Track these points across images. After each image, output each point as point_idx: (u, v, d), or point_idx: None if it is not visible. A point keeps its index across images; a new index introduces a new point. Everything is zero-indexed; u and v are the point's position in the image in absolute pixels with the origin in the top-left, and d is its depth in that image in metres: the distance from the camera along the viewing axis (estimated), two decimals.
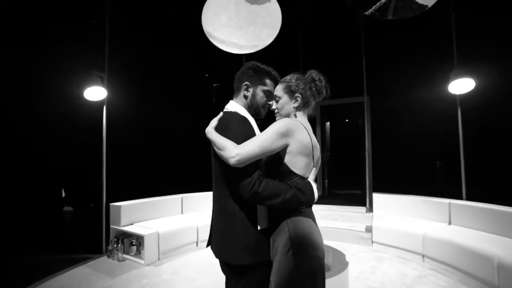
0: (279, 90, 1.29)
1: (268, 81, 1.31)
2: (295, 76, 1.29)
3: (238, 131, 1.14)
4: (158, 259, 3.33)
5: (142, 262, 3.19)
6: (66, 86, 3.51)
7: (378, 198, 4.24)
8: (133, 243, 3.39)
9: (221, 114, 1.27)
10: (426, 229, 3.22)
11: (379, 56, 4.79)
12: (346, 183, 6.25)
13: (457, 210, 3.35)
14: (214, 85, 6.16)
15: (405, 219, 3.71)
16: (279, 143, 1.11)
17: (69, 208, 6.71)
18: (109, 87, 3.67)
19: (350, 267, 3.02)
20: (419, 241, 3.19)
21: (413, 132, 4.62)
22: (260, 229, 1.14)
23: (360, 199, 5.47)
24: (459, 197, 3.56)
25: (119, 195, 3.76)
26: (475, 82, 3.24)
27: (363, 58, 4.65)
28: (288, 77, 1.30)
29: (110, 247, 3.41)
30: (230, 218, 1.15)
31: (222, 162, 1.13)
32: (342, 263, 2.35)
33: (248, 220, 1.13)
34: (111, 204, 3.61)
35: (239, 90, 1.31)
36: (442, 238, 2.98)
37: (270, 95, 1.31)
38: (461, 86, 3.33)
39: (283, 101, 1.27)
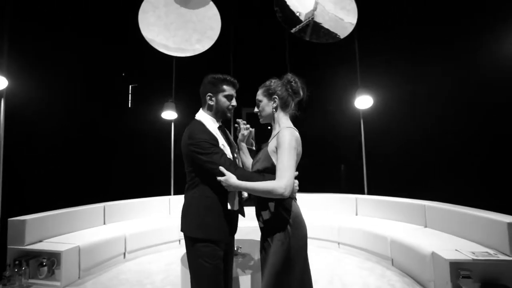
0: (259, 95, 1.45)
1: (226, 87, 1.51)
2: (273, 80, 1.47)
3: (201, 138, 1.39)
4: (79, 277, 2.89)
5: (58, 284, 2.72)
6: None
7: (299, 197, 4.78)
8: (43, 263, 2.83)
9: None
10: (339, 221, 3.84)
11: (302, 69, 5.46)
12: None
13: (362, 203, 4.12)
14: (131, 85, 5.74)
15: (321, 214, 4.31)
16: (297, 155, 1.34)
17: None
18: (10, 75, 3.00)
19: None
20: (335, 231, 3.77)
21: (325, 139, 5.40)
22: (219, 213, 1.41)
23: None
24: (362, 192, 4.38)
25: (22, 207, 3.08)
26: (373, 99, 4.10)
27: (288, 70, 5.21)
28: (267, 82, 1.48)
29: (7, 273, 2.75)
30: (188, 203, 1.48)
31: (199, 168, 1.40)
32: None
33: (202, 205, 1.41)
34: (9, 219, 2.92)
35: (205, 102, 1.54)
36: (352, 226, 3.62)
37: (231, 98, 1.53)
38: (363, 102, 4.16)
39: (263, 104, 1.45)
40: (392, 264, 3.09)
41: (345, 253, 3.57)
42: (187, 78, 5.47)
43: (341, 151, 5.16)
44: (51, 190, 3.61)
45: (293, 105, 1.47)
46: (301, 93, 1.46)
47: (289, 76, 1.44)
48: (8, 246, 2.88)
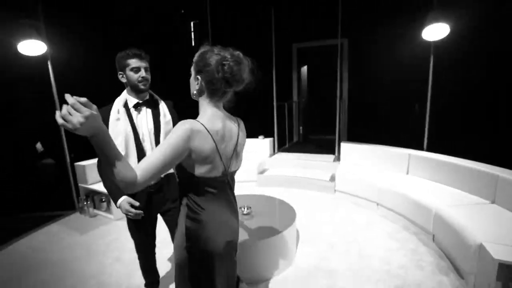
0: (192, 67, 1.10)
1: (129, 61, 1.50)
2: (205, 49, 1.04)
3: None
4: None
5: (112, 217, 3.36)
6: None
7: (346, 147, 4.31)
8: (102, 199, 3.50)
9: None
10: (382, 179, 3.37)
11: None
12: (322, 129, 6.28)
13: (416, 161, 3.45)
14: (193, 22, 5.56)
15: (366, 168, 3.84)
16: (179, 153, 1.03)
17: (50, 161, 6.74)
18: (49, 39, 3.26)
19: (309, 216, 3.24)
20: (375, 190, 3.36)
21: (389, 79, 4.43)
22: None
23: (332, 147, 5.58)
24: (420, 147, 3.63)
25: (85, 152, 3.72)
26: (450, 28, 2.96)
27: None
28: (199, 50, 1.07)
29: (81, 204, 3.53)
30: None
31: None
32: (290, 218, 2.48)
33: None
34: (75, 163, 3.60)
35: (122, 81, 1.57)
36: (394, 188, 3.13)
37: (137, 70, 1.51)
38: (436, 31, 3.06)
39: (191, 80, 1.11)
40: (433, 240, 2.63)
41: (381, 217, 3.21)
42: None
43: (402, 95, 4.19)
44: None
45: (227, 95, 1.08)
46: (239, 84, 1.05)
47: (228, 54, 1.01)
48: (79, 184, 3.62)
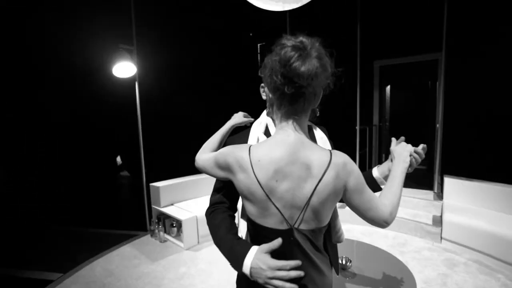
0: None
1: None
2: (276, 47, 0.77)
3: None
4: (198, 242, 3.25)
5: (182, 245, 3.14)
6: (94, 62, 3.32)
7: (451, 183, 3.46)
8: (173, 224, 3.35)
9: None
10: None
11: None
12: None
13: None
14: (260, 44, 5.51)
15: (488, 214, 2.95)
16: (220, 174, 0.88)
17: (126, 173, 7.22)
18: (138, 62, 3.38)
19: (412, 272, 2.52)
20: (510, 246, 2.48)
21: (502, 103, 3.51)
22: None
23: (425, 180, 4.67)
24: None
25: (158, 173, 3.70)
26: None
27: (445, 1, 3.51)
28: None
29: (152, 227, 3.43)
30: None
31: None
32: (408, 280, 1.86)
33: None
34: (150, 184, 3.57)
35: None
36: None
37: None
38: None
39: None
40: None
41: None
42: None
43: None
44: (180, 160, 4.16)
45: (292, 108, 0.78)
46: (303, 79, 0.72)
47: (287, 41, 0.75)
48: (152, 206, 3.56)
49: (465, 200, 3.31)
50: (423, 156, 0.98)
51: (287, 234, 0.78)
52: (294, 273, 0.74)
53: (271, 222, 0.78)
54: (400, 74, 5.30)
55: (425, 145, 0.99)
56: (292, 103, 0.76)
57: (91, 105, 3.54)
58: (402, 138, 1.04)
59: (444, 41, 3.63)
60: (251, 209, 0.80)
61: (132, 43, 3.35)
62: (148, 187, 3.60)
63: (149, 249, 3.13)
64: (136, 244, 3.27)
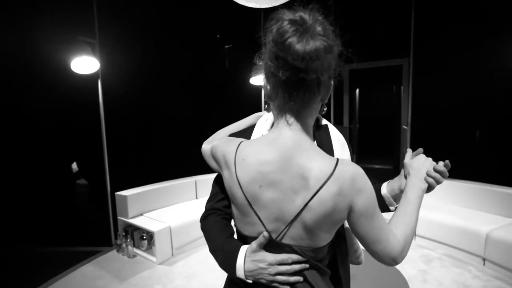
0: None
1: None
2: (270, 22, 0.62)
3: None
4: (172, 255, 2.98)
5: (154, 260, 2.85)
6: (51, 56, 2.89)
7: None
8: (143, 237, 3.03)
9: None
10: (489, 226, 2.65)
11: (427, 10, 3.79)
12: (377, 158, 5.63)
13: None
14: (226, 46, 5.36)
15: (456, 210, 3.13)
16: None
17: (83, 181, 6.54)
18: (102, 57, 3.03)
19: (394, 270, 2.56)
20: (481, 240, 2.64)
21: (465, 104, 3.80)
22: None
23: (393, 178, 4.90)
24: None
25: (125, 180, 3.34)
26: None
27: (412, 10, 3.71)
28: None
29: (118, 241, 3.08)
30: None
31: None
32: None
33: None
34: (116, 193, 3.20)
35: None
36: (508, 239, 2.42)
37: None
38: None
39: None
40: None
41: (491, 277, 2.47)
42: None
43: (497, 124, 3.51)
44: (150, 164, 3.82)
45: (281, 93, 0.62)
46: (297, 61, 0.55)
47: (276, 21, 0.59)
48: (118, 217, 3.19)
49: (434, 197, 3.49)
50: (447, 175, 0.76)
51: (271, 248, 0.65)
52: (298, 266, 0.64)
53: (251, 230, 0.66)
54: (368, 78, 5.53)
55: (447, 161, 0.78)
56: (289, 92, 0.60)
57: (41, 104, 3.08)
58: (420, 150, 0.84)
59: (411, 47, 3.82)
60: (234, 212, 0.71)
61: (94, 36, 2.99)
62: (113, 196, 3.23)
63: (116, 267, 2.78)
64: (100, 261, 2.90)
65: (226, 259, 0.70)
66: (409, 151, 0.85)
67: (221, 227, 0.78)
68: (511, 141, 3.18)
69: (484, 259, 2.65)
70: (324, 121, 0.87)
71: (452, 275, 2.53)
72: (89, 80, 3.02)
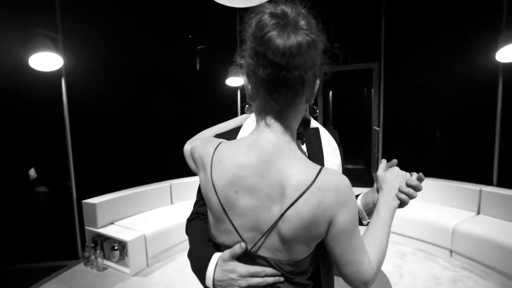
0: None
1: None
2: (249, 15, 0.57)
3: None
4: (147, 265, 2.81)
5: (128, 271, 2.66)
6: (6, 52, 2.60)
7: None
8: (115, 247, 2.82)
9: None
10: (455, 220, 2.84)
11: (397, 14, 4.01)
12: (349, 158, 5.83)
13: (488, 198, 2.96)
14: (199, 47, 5.24)
15: (426, 207, 3.32)
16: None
17: (43, 189, 5.98)
18: (66, 53, 2.79)
19: None
20: (448, 234, 2.81)
21: (440, 107, 4.04)
22: None
23: (363, 178, 5.10)
24: (489, 183, 3.16)
25: (93, 186, 3.09)
26: None
27: (382, 16, 3.90)
28: None
29: (86, 253, 2.83)
30: None
31: None
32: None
33: None
34: (83, 201, 2.95)
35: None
36: (476, 232, 2.60)
37: None
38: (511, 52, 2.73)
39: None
40: None
41: (459, 268, 2.64)
42: None
43: (463, 123, 3.78)
44: (120, 169, 3.58)
45: (262, 92, 0.57)
46: (278, 57, 0.50)
47: (262, 8, 0.54)
48: (85, 227, 2.95)
49: None
50: (420, 188, 0.72)
51: (245, 259, 0.61)
52: (271, 279, 0.58)
53: (226, 238, 0.62)
54: (340, 81, 5.71)
55: (421, 174, 0.74)
56: (270, 91, 0.55)
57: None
58: (395, 161, 0.79)
59: (382, 52, 4.00)
60: (209, 218, 0.65)
61: (56, 30, 2.74)
62: (79, 204, 2.97)
63: (84, 282, 2.56)
64: (66, 277, 2.64)
65: (197, 265, 0.66)
66: (383, 162, 0.81)
67: (201, 232, 0.74)
68: (472, 139, 3.45)
69: (451, 251, 2.83)
70: (315, 124, 0.84)
71: (424, 268, 2.66)
72: (51, 78, 2.76)
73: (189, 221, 0.82)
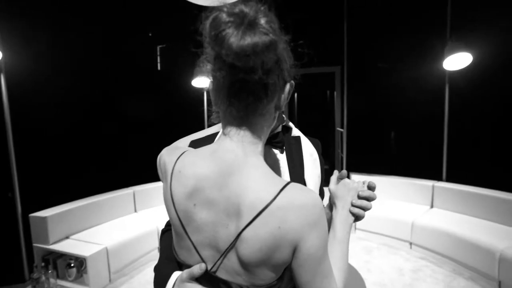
0: None
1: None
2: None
3: None
4: (109, 281, 2.56)
5: None
6: None
7: (355, 179, 4.01)
8: (71, 264, 2.52)
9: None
10: (414, 215, 3.08)
11: (362, 20, 4.25)
12: None
13: (440, 193, 3.27)
14: (159, 46, 4.99)
15: (386, 202, 3.55)
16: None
17: None
18: (4, 47, 2.43)
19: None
20: (407, 228, 3.03)
21: (396, 109, 4.34)
22: None
23: (327, 177, 5.29)
24: (439, 178, 3.49)
25: (43, 198, 2.73)
26: (472, 57, 2.97)
27: (345, 22, 4.10)
28: None
29: (35, 275, 2.48)
30: None
31: None
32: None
33: None
34: (30, 215, 2.59)
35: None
36: (431, 225, 2.85)
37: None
38: (456, 61, 3.04)
39: None
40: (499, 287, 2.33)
41: (418, 259, 2.86)
42: None
43: (416, 125, 4.11)
44: (71, 177, 3.22)
45: (224, 99, 0.52)
46: (237, 57, 0.45)
47: (219, 7, 0.48)
48: (34, 244, 2.59)
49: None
50: (374, 197, 0.69)
51: (205, 280, 0.55)
52: None
53: (186, 256, 0.56)
54: (304, 84, 5.87)
55: (372, 182, 0.71)
56: (230, 96, 0.50)
57: None
58: (344, 172, 0.74)
59: (345, 56, 4.20)
60: (172, 232, 0.60)
61: None
62: (26, 219, 2.60)
63: None
64: None
65: (158, 282, 0.62)
66: (334, 175, 0.76)
67: (170, 246, 0.68)
68: (424, 139, 3.78)
69: (411, 244, 3.05)
70: (297, 132, 0.80)
71: (389, 261, 2.83)
72: None
73: (163, 232, 0.76)
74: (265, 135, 0.56)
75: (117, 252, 2.60)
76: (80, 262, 2.53)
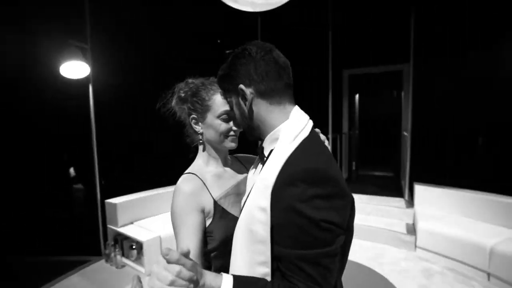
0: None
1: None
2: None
3: None
4: None
5: (143, 271, 2.75)
6: (40, 61, 2.85)
7: (421, 190, 3.50)
8: (133, 246, 2.93)
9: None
10: (493, 239, 2.52)
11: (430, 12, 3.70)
12: (377, 165, 5.50)
13: None
14: (228, 52, 5.30)
15: (458, 221, 3.00)
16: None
17: (80, 186, 6.44)
18: (93, 61, 2.98)
19: (395, 285, 2.42)
20: (484, 254, 2.50)
21: (468, 111, 3.68)
22: None
23: (392, 186, 4.76)
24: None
25: (116, 186, 3.25)
26: None
27: (412, 13, 3.64)
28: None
29: (107, 251, 2.98)
30: None
31: None
32: None
33: None
34: (106, 201, 3.12)
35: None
36: None
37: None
38: None
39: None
40: None
41: None
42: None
43: (485, 127, 3.39)
44: (141, 171, 3.73)
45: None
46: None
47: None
48: (108, 226, 3.10)
49: (435, 206, 3.36)
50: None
51: None
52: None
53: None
54: (368, 83, 5.43)
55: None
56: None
57: (30, 109, 3.03)
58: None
59: (411, 52, 3.73)
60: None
61: (86, 41, 2.94)
62: (103, 204, 3.14)
63: (103, 278, 2.68)
64: (88, 272, 2.80)
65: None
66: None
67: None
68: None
69: (489, 274, 2.51)
70: (275, 156, 0.68)
71: None
72: (80, 85, 2.96)
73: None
74: (205, 152, 0.97)
75: (169, 241, 2.89)
76: (139, 246, 2.91)
